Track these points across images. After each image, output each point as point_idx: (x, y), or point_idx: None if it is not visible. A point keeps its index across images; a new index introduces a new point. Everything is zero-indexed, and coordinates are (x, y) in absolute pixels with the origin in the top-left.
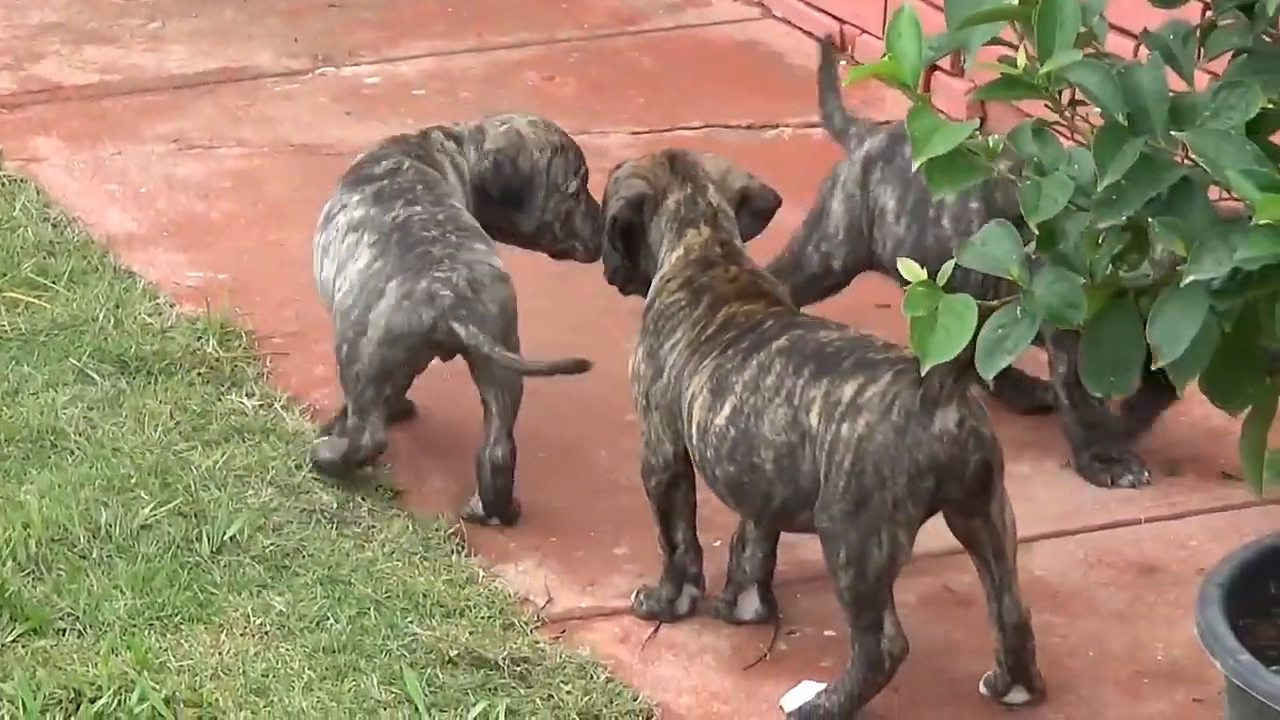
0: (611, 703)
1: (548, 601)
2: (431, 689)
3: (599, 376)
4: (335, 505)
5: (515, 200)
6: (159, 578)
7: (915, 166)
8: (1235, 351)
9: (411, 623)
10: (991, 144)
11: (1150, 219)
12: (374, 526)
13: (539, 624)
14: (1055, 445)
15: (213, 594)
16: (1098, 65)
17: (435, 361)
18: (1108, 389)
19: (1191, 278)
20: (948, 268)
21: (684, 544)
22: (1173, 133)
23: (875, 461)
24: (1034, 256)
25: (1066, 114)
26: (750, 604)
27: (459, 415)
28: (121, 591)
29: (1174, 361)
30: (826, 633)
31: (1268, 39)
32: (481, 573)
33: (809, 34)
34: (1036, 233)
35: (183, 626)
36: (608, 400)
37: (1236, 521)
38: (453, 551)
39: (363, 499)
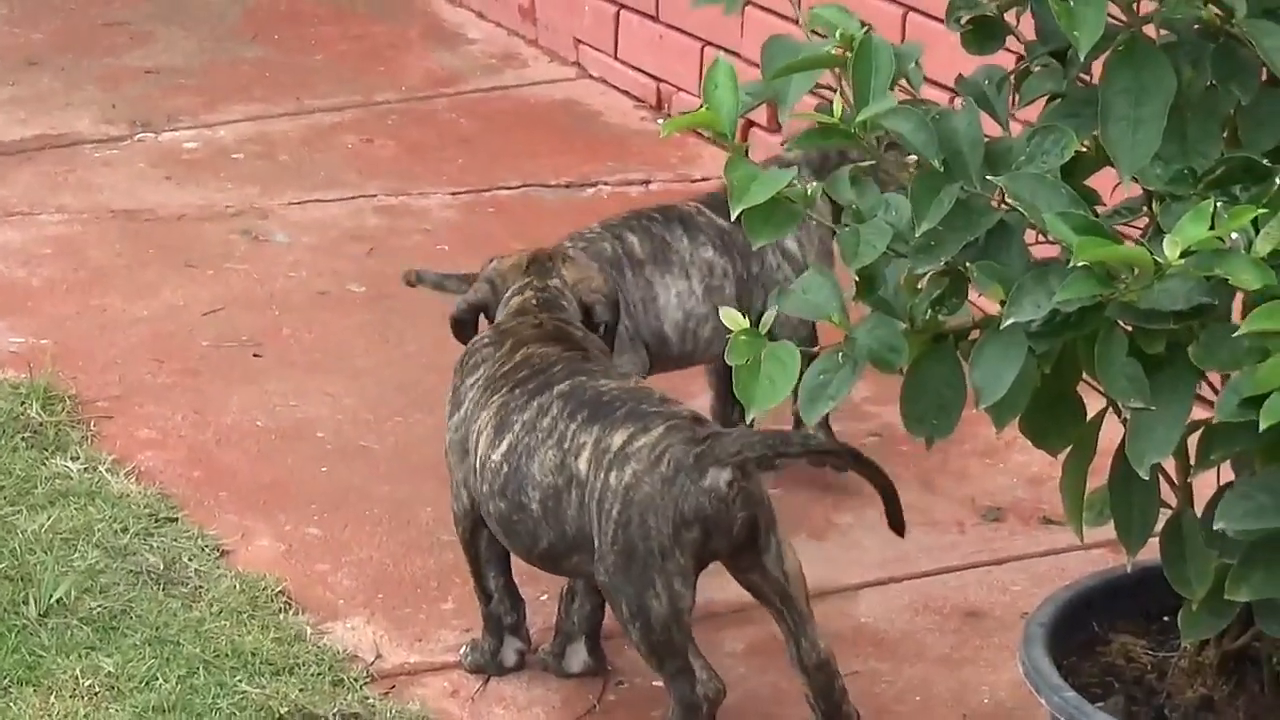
0: None
1: (376, 657)
2: None
3: (425, 435)
4: (162, 566)
5: None
6: None
7: (734, 215)
8: (1053, 393)
9: (241, 681)
10: (810, 192)
11: (968, 264)
12: (201, 586)
13: (368, 680)
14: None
15: (41, 656)
16: (912, 112)
17: (248, 419)
18: (930, 432)
19: (1011, 320)
20: (769, 316)
21: (497, 593)
22: (989, 177)
23: (641, 511)
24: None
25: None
26: (578, 656)
27: (282, 475)
28: None
29: (995, 403)
30: (654, 683)
31: (1080, 84)
32: (310, 630)
33: (625, 93)
34: (855, 279)
35: (11, 689)
36: (434, 458)
37: (1059, 565)
38: (280, 610)
39: (189, 559)
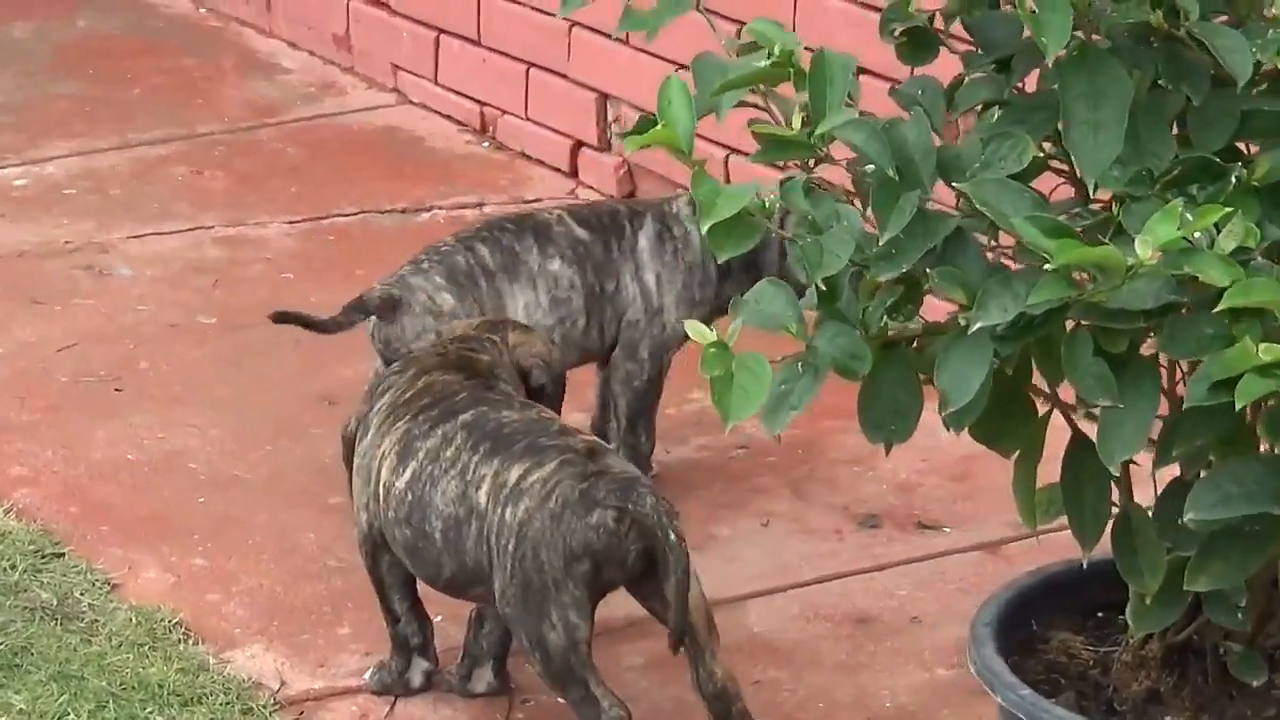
0: None
1: (281, 685)
2: None
3: (295, 463)
4: (55, 601)
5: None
6: None
7: (704, 229)
8: (1005, 395)
9: (151, 713)
10: (768, 204)
11: (928, 270)
12: (97, 620)
13: (277, 707)
14: (750, 504)
15: None
16: (863, 122)
17: (118, 453)
18: (888, 437)
19: (979, 324)
20: (736, 327)
21: (404, 614)
22: (955, 184)
23: (533, 546)
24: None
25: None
26: (484, 677)
27: (159, 507)
28: None
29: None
30: (560, 700)
31: (1016, 91)
32: (212, 660)
33: (447, 118)
34: (819, 289)
35: None
36: (308, 485)
37: (939, 569)
38: (179, 640)
39: (81, 594)
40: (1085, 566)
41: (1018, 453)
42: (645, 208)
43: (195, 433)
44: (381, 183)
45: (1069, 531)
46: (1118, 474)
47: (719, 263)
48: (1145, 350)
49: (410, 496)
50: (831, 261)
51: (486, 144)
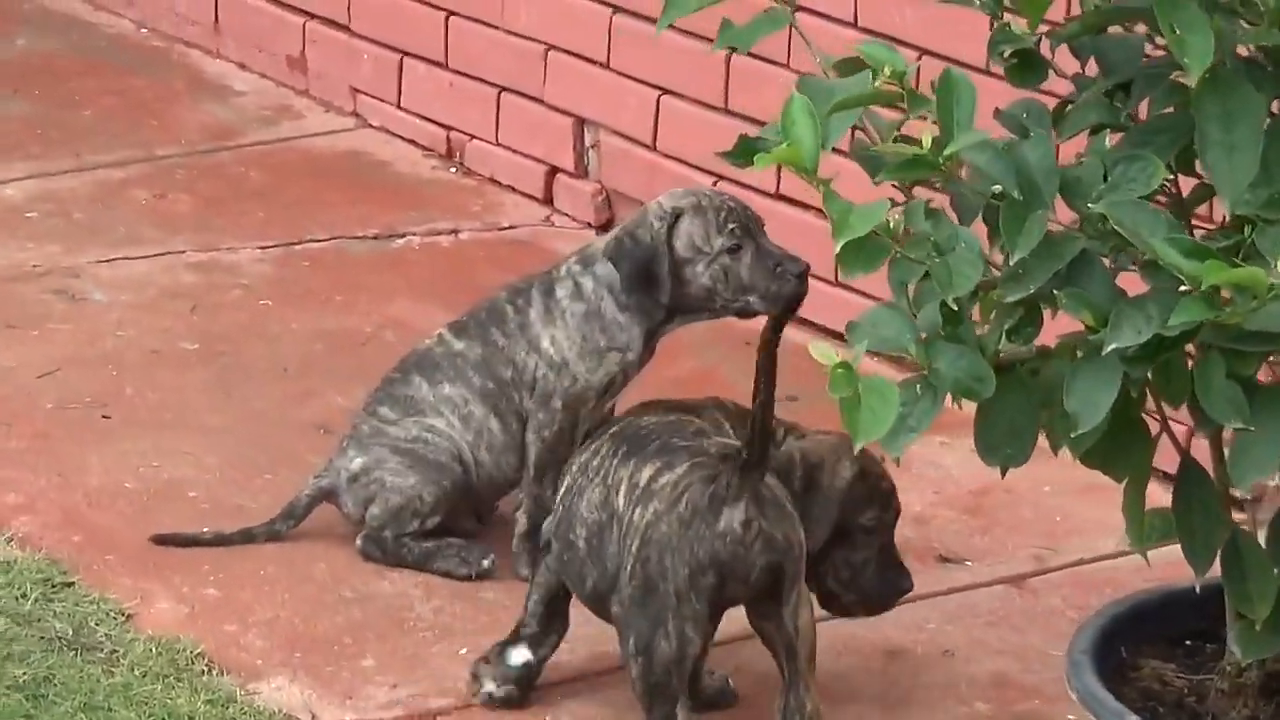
0: None
1: (313, 717)
2: None
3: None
4: (71, 632)
5: (646, 277)
6: None
7: (836, 248)
8: (1121, 419)
9: None
10: (893, 225)
11: (1055, 291)
12: (116, 650)
13: None
14: None
15: None
16: (987, 143)
17: (114, 481)
18: (1005, 460)
19: (1113, 346)
20: (859, 350)
21: (533, 608)
22: (1091, 205)
23: (659, 549)
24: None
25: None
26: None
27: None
28: None
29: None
30: None
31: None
32: (239, 691)
33: (411, 142)
34: (944, 310)
35: None
36: (314, 516)
37: (967, 602)
38: (203, 672)
39: (96, 624)
40: (1197, 590)
41: (1129, 476)
42: (529, 284)
43: (191, 461)
44: (351, 208)
45: (1104, 564)
46: (1249, 495)
47: (626, 293)
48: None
49: (561, 509)
50: (961, 282)
51: (454, 169)
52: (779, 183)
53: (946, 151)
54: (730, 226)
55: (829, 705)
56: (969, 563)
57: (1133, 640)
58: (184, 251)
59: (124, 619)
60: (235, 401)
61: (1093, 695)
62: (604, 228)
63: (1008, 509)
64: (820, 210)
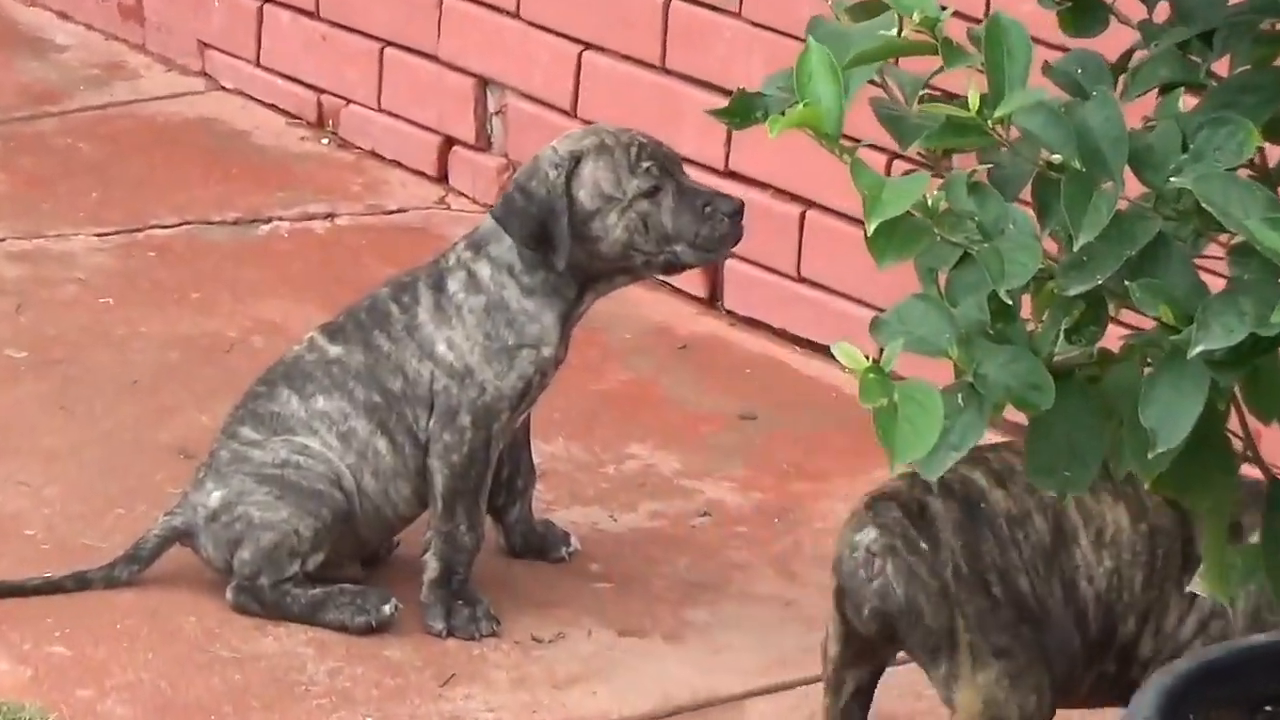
0: None
1: None
2: None
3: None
4: None
5: (542, 236)
6: None
7: (869, 230)
8: (1199, 437)
9: None
10: (931, 203)
11: (1126, 282)
12: None
13: None
14: (729, 583)
15: None
16: (1041, 104)
17: None
18: (1062, 485)
19: (1200, 348)
20: (893, 351)
21: None
22: (1173, 179)
23: None
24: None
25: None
26: None
27: None
28: None
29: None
30: None
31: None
32: None
33: (273, 107)
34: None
35: None
36: (179, 556)
37: None
38: None
39: None
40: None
41: (1209, 506)
42: (415, 276)
43: (28, 492)
44: (204, 187)
45: None
46: None
47: (518, 270)
48: None
49: None
50: (1017, 271)
51: (326, 140)
52: (728, 156)
53: (998, 113)
54: (645, 165)
55: None
56: None
57: (1202, 703)
58: (4, 239)
59: None
60: (77, 420)
61: None
62: None
63: None
64: (786, 192)
